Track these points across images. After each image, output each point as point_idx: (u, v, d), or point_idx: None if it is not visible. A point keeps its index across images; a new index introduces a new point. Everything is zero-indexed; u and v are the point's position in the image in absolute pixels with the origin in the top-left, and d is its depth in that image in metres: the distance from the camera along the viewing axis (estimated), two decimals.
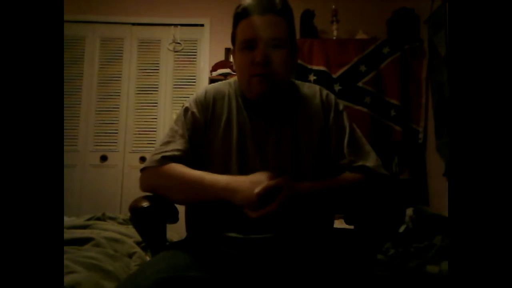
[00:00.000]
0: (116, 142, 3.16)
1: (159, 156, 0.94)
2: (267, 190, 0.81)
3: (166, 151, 0.94)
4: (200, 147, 0.98)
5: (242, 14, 0.96)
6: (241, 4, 0.97)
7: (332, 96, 1.06)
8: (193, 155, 0.97)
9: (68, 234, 1.62)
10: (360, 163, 0.94)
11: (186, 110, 1.02)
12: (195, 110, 1.00)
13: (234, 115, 1.00)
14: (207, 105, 1.01)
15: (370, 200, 0.91)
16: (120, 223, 2.04)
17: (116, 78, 3.21)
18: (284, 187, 0.82)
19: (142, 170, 0.97)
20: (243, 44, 0.96)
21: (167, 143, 0.97)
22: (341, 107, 1.04)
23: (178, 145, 0.96)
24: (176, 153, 0.94)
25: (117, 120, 3.17)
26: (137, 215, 0.92)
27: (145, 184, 0.96)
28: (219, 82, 1.09)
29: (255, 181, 0.83)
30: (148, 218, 0.92)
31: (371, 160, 0.95)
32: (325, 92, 1.07)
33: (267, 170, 0.89)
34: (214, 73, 2.98)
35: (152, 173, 0.94)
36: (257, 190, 0.81)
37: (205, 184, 0.88)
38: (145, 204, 0.90)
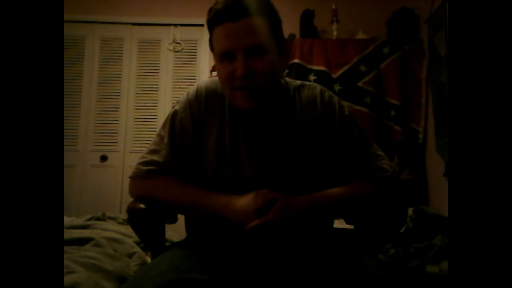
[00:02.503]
0: (116, 142, 3.15)
1: (144, 169, 0.93)
2: (265, 203, 0.82)
3: (151, 164, 0.93)
4: (189, 152, 0.94)
5: (214, 20, 0.86)
6: (212, 8, 0.86)
7: (335, 99, 0.98)
8: (181, 162, 0.94)
9: (68, 234, 1.62)
10: (371, 172, 0.92)
11: (174, 114, 0.96)
12: (184, 115, 0.95)
13: (226, 119, 0.94)
14: (198, 108, 0.95)
15: (374, 204, 0.91)
16: (120, 223, 2.04)
17: (116, 78, 3.21)
18: (278, 198, 0.82)
19: (130, 177, 0.97)
20: (221, 56, 0.87)
21: (153, 151, 0.95)
22: (346, 111, 0.97)
23: (163, 156, 0.93)
24: (161, 167, 0.92)
25: (117, 120, 3.17)
26: (134, 217, 0.91)
27: (135, 194, 0.96)
28: (212, 79, 1.01)
29: (252, 200, 0.83)
30: (146, 219, 0.91)
31: (383, 169, 0.93)
32: (327, 94, 0.99)
33: (261, 179, 0.89)
34: (214, 73, 2.97)
35: (140, 185, 0.94)
36: (254, 206, 0.82)
37: (201, 205, 0.88)
38: (143, 205, 0.90)
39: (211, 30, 0.89)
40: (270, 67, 0.87)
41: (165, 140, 0.95)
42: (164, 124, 0.98)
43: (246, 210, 0.82)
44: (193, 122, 0.94)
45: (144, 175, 0.93)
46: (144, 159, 0.95)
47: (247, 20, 0.84)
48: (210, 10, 0.87)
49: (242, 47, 0.84)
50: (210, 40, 0.91)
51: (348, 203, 0.91)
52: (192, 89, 0.99)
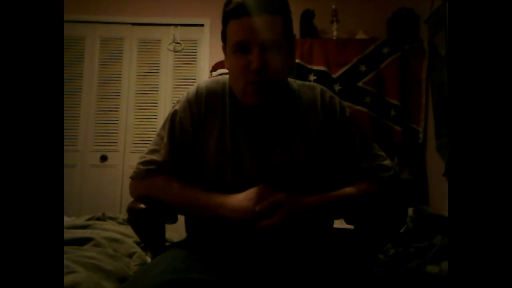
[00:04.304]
0: (116, 142, 3.16)
1: (144, 168, 0.93)
2: (269, 206, 0.80)
3: (151, 163, 0.93)
4: (189, 151, 0.94)
5: (233, 13, 0.87)
6: (232, 0, 0.87)
7: (336, 100, 0.99)
8: (181, 161, 0.94)
9: (68, 234, 1.62)
10: (374, 172, 0.92)
11: (174, 114, 0.96)
12: (183, 115, 0.95)
13: (227, 119, 0.94)
14: (198, 108, 0.95)
15: (377, 203, 0.91)
16: (120, 223, 2.04)
17: (116, 78, 3.21)
18: (285, 202, 0.82)
19: (130, 177, 0.97)
20: (236, 47, 0.87)
21: (152, 151, 0.95)
22: (347, 112, 0.98)
23: (162, 155, 0.93)
24: (160, 166, 0.92)
25: (117, 120, 3.17)
26: (135, 217, 0.91)
27: (135, 193, 0.96)
28: (212, 79, 1.01)
29: (250, 198, 0.83)
30: (146, 219, 0.91)
31: (386, 168, 0.93)
32: (328, 95, 0.99)
33: (262, 178, 0.88)
34: (214, 73, 2.98)
35: (140, 185, 0.94)
36: (258, 208, 0.81)
37: (197, 204, 0.88)
38: (143, 205, 0.90)
39: (226, 21, 0.90)
40: (282, 65, 0.89)
41: (165, 140, 0.95)
42: (164, 124, 0.98)
43: (243, 207, 0.82)
44: (193, 122, 0.94)
45: (144, 175, 0.93)
46: (144, 159, 0.95)
47: (265, 17, 0.85)
48: (229, 2, 0.88)
49: (258, 41, 0.84)
50: (223, 32, 0.92)
51: (356, 204, 0.90)
52: (192, 89, 0.99)
